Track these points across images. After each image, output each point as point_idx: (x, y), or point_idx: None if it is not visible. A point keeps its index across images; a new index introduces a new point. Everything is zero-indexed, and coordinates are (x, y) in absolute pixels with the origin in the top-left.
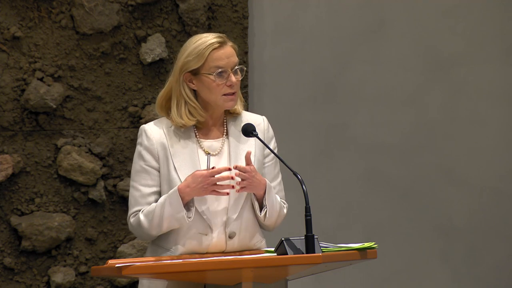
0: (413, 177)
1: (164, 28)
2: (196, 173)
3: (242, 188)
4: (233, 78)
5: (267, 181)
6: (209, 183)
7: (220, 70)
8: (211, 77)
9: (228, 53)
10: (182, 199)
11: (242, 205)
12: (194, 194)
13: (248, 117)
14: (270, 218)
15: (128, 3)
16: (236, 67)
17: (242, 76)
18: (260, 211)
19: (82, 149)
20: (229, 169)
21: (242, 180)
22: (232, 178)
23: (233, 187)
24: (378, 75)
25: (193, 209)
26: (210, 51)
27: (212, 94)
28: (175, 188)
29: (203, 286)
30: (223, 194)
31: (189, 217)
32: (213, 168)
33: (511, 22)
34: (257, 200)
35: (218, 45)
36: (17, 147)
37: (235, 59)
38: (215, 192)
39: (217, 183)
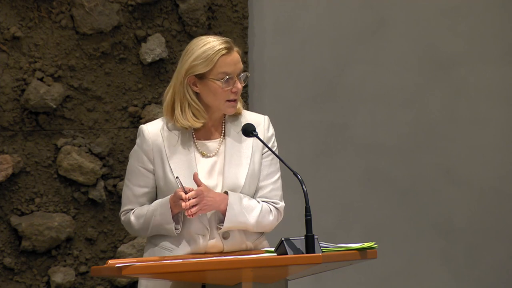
0: (413, 177)
1: (164, 28)
2: (175, 191)
3: (193, 214)
4: (238, 85)
5: (231, 196)
6: (179, 204)
7: (227, 77)
8: (218, 83)
9: (236, 59)
10: (171, 210)
11: None
12: (175, 209)
13: (248, 117)
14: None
15: (128, 3)
16: (242, 74)
17: (245, 82)
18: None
19: (82, 149)
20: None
21: (193, 206)
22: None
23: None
24: (378, 75)
25: (181, 222)
26: (219, 57)
27: (216, 99)
28: (167, 198)
29: (202, 286)
30: (188, 215)
31: (177, 229)
32: (188, 191)
33: (511, 22)
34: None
35: (226, 51)
36: (17, 147)
37: (241, 65)
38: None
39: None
